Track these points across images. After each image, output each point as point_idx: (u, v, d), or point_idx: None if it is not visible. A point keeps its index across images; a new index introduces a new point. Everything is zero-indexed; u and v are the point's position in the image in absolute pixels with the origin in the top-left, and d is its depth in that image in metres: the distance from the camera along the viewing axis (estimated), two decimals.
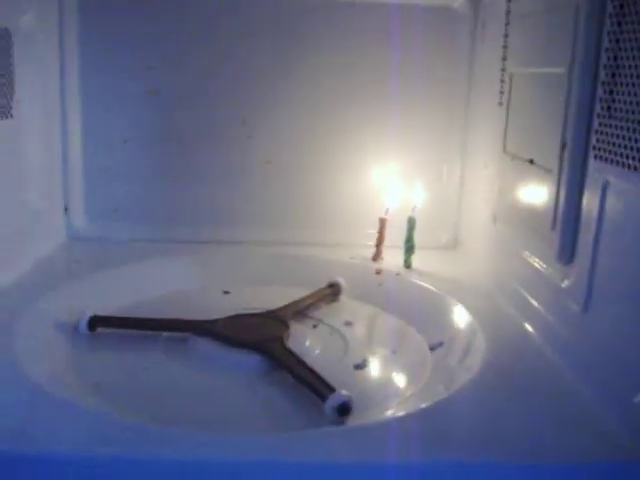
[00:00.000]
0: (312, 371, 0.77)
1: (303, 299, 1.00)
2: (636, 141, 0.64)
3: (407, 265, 1.10)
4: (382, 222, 1.12)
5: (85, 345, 0.88)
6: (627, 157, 0.65)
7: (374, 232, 1.16)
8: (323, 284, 1.06)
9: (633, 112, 0.65)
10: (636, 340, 0.63)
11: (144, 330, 0.90)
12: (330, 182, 1.21)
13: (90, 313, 0.90)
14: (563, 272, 0.79)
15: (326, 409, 0.70)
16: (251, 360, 0.83)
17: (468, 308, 0.94)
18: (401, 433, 0.64)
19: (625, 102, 0.66)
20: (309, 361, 0.81)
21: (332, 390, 0.72)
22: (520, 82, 0.94)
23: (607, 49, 0.70)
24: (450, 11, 1.17)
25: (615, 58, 0.69)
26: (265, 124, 1.20)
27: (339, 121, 1.19)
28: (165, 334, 0.90)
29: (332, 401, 0.70)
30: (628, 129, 0.65)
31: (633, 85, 0.65)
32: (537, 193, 0.86)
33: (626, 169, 0.65)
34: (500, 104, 1.02)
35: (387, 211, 1.13)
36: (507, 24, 1.00)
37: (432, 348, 0.89)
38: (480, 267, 1.08)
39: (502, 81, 1.01)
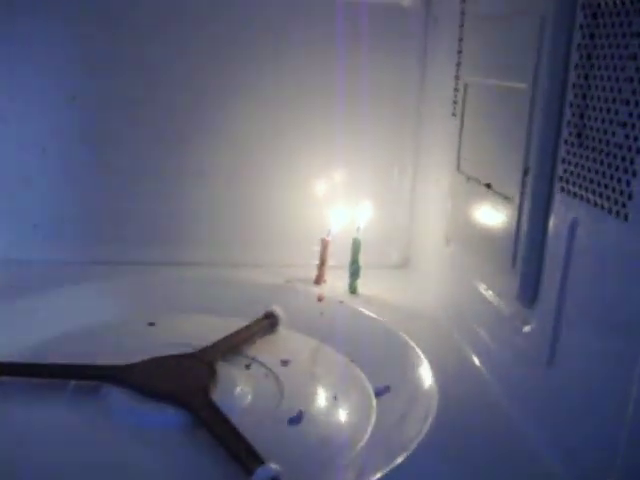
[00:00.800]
0: (237, 434, 0.66)
1: (235, 334, 0.89)
2: (611, 178, 0.54)
3: (352, 290, 1.01)
4: (324, 243, 1.02)
5: None
6: (600, 195, 0.56)
7: (314, 250, 1.06)
8: (258, 312, 0.95)
9: (607, 142, 0.55)
10: (604, 403, 0.54)
11: (51, 378, 0.78)
12: (268, 195, 1.11)
13: None
14: (524, 315, 0.70)
15: None
16: (169, 415, 0.72)
17: (419, 345, 0.85)
18: None
19: (598, 130, 0.57)
20: (237, 413, 0.72)
21: (260, 462, 0.61)
22: (476, 93, 0.85)
23: (577, 65, 0.61)
24: (400, 8, 1.06)
25: (586, 77, 0.59)
26: (199, 132, 1.08)
27: (279, 129, 1.08)
28: (74, 382, 0.78)
29: (259, 475, 0.59)
30: (601, 162, 0.56)
31: (608, 111, 0.55)
32: (495, 221, 0.77)
33: (599, 209, 0.56)
34: (453, 115, 0.92)
35: (329, 232, 1.02)
36: (461, 26, 0.90)
37: (377, 394, 0.79)
38: (433, 293, 0.99)
39: (456, 90, 0.92)
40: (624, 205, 0.52)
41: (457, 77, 0.91)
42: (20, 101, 1.05)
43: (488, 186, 0.78)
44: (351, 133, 1.06)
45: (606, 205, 0.54)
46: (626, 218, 0.52)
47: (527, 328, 0.69)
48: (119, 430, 0.71)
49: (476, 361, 0.82)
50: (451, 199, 0.91)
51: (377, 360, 0.85)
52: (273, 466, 0.60)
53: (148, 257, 1.08)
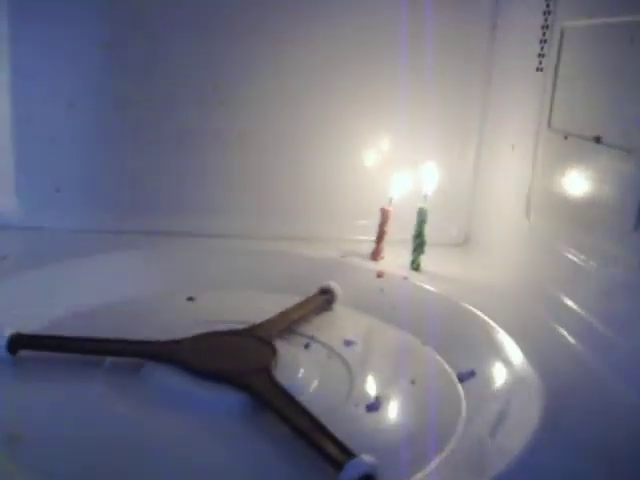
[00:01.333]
0: (314, 421, 0.55)
1: (291, 310, 0.79)
2: None
3: (415, 267, 0.90)
4: (384, 214, 0.91)
5: (2, 376, 0.64)
6: None
7: (367, 223, 0.95)
8: (311, 288, 0.84)
9: None
10: None
11: (82, 354, 0.67)
12: (317, 161, 1.00)
13: (11, 330, 0.66)
14: None
15: None
16: (229, 399, 0.61)
17: (500, 324, 0.74)
18: None
19: None
20: (305, 399, 0.60)
21: (350, 455, 0.50)
22: (577, 39, 0.74)
23: None
24: None
25: None
26: (240, 91, 0.98)
27: (334, 86, 0.97)
28: (110, 359, 0.67)
29: (351, 471, 0.49)
30: None
31: None
32: (607, 181, 0.66)
33: None
34: (539, 70, 0.81)
35: (391, 201, 0.91)
36: None
37: (461, 379, 0.69)
38: (507, 270, 0.88)
39: (543, 41, 0.81)
40: None
41: (545, 26, 0.80)
42: (46, 52, 0.94)
43: (597, 140, 0.67)
44: (414, 90, 0.95)
45: None
46: None
47: None
48: (166, 415, 0.60)
49: (571, 339, 0.71)
50: (539, 162, 0.80)
51: (454, 341, 0.75)
52: (367, 459, 0.49)
53: (183, 227, 0.97)
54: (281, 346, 0.71)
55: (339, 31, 0.96)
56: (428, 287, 0.86)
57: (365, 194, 0.98)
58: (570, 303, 0.73)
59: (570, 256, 0.73)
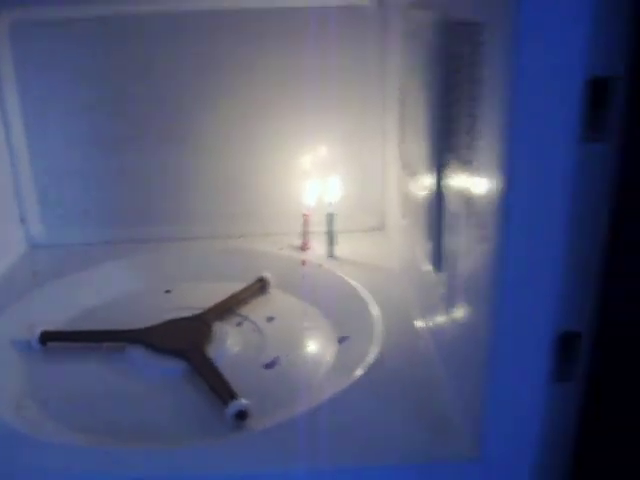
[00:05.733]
0: (220, 377, 0.89)
1: (231, 297, 1.12)
2: None
3: (329, 254, 1.22)
4: (305, 218, 1.23)
5: (36, 360, 1.00)
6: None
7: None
8: (254, 276, 1.17)
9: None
10: None
11: (88, 342, 1.03)
12: (253, 170, 1.31)
13: (41, 329, 1.02)
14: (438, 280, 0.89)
15: (227, 416, 0.82)
16: (172, 366, 0.95)
17: (376, 300, 1.06)
18: (279, 441, 0.76)
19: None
20: (225, 362, 0.94)
21: (234, 397, 0.84)
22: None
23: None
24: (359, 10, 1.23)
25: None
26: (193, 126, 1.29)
27: (266, 114, 1.28)
28: (105, 344, 1.03)
29: (232, 408, 0.83)
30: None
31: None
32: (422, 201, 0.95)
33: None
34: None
35: (308, 208, 1.23)
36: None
37: (340, 341, 1.01)
38: (398, 253, 1.18)
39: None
40: None
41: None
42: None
43: (412, 172, 0.97)
44: (327, 117, 1.25)
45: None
46: None
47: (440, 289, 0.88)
48: (138, 379, 0.94)
49: (418, 320, 1.01)
50: (399, 180, 1.10)
51: (343, 313, 1.06)
52: (243, 401, 0.83)
53: (159, 235, 1.31)
54: (220, 326, 1.04)
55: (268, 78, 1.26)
56: (335, 271, 1.17)
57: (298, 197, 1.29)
58: (417, 291, 1.04)
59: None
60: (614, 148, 0.59)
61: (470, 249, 0.72)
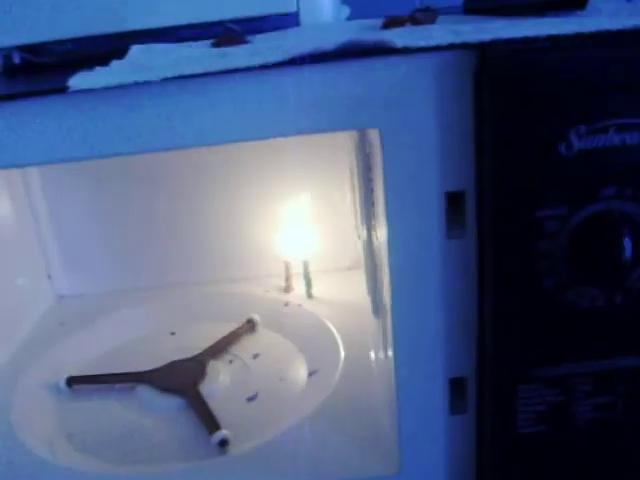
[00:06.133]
0: (208, 411, 1.10)
1: (224, 338, 1.33)
2: None
3: (309, 295, 1.42)
4: (286, 264, 1.44)
5: (64, 401, 1.22)
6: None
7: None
8: (245, 316, 1.39)
9: None
10: None
11: (105, 384, 1.25)
12: (237, 218, 1.50)
13: (67, 374, 1.25)
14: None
15: (212, 443, 1.04)
16: (172, 402, 1.17)
17: (345, 337, 1.26)
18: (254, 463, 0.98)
19: None
20: (216, 396, 1.15)
21: (218, 428, 1.06)
22: None
23: None
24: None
25: None
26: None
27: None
28: (118, 385, 1.25)
29: (214, 438, 1.04)
30: None
31: None
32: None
33: None
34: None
35: (288, 255, 1.44)
36: None
37: (309, 375, 1.22)
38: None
39: None
40: None
41: None
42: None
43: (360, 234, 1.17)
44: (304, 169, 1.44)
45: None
46: None
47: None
48: (145, 413, 1.16)
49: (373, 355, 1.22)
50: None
51: (315, 349, 1.27)
52: (224, 432, 1.05)
53: (163, 281, 1.53)
54: (213, 364, 1.26)
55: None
56: (312, 311, 1.38)
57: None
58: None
59: None
60: (472, 242, 0.79)
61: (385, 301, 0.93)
